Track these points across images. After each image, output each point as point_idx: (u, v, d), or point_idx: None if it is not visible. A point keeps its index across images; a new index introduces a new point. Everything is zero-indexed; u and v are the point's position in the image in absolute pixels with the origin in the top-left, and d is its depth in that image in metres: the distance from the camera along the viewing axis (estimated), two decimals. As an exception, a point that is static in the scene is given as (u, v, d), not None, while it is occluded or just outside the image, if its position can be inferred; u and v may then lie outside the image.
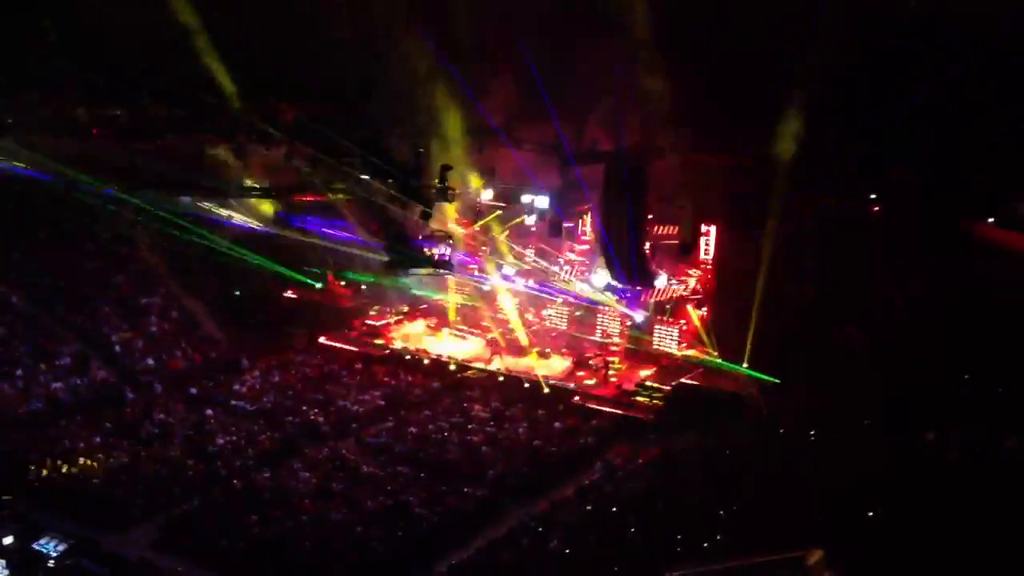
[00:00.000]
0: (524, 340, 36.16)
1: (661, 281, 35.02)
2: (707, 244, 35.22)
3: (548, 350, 35.67)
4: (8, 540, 19.15)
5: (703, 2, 24.67)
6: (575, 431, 28.49)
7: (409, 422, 28.64)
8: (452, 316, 39.89)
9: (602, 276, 36.12)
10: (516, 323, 37.01)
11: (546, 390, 31.96)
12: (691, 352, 34.18)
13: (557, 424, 28.83)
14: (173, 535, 21.73)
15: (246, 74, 24.59)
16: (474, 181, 32.72)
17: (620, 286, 35.44)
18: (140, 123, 28.01)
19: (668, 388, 31.29)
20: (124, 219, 33.25)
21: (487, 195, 35.21)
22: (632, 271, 33.74)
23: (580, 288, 37.38)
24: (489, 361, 34.91)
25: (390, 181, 27.59)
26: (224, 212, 34.37)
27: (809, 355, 28.40)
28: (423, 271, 29.32)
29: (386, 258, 28.57)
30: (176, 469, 24.49)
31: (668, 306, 35.57)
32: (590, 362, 34.20)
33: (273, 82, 26.51)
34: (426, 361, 35.12)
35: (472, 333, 38.43)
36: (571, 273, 37.77)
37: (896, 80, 22.94)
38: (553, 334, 37.30)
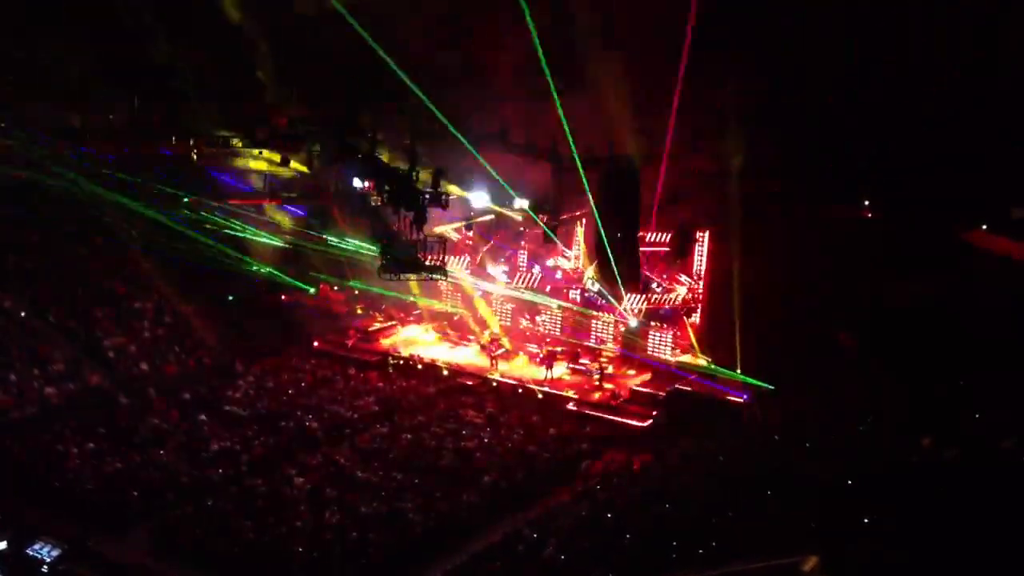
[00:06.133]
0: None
1: (653, 288, 35.22)
2: (700, 251, 35.31)
3: (540, 356, 35.66)
4: (1, 545, 19.09)
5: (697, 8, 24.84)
6: (570, 437, 28.50)
7: (403, 427, 28.62)
8: (447, 321, 39.94)
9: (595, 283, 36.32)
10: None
11: (540, 396, 32.03)
12: (685, 358, 34.24)
13: (552, 430, 28.83)
14: (167, 541, 21.70)
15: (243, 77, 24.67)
16: None
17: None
18: (135, 126, 28.14)
19: (662, 394, 31.38)
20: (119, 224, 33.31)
21: (481, 198, 35.38)
22: (624, 277, 33.87)
23: (572, 295, 37.51)
24: (492, 368, 34.85)
25: (384, 185, 27.66)
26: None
27: (803, 360, 28.48)
28: (417, 276, 29.39)
29: (380, 263, 28.58)
30: (170, 474, 24.42)
31: (661, 312, 35.66)
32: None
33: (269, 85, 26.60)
34: (420, 366, 35.13)
35: (466, 339, 38.44)
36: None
37: (891, 85, 23.10)
38: (547, 339, 37.30)
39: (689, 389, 31.45)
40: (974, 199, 26.60)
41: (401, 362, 35.62)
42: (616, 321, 36.08)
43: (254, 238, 36.74)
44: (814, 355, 28.67)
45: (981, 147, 24.13)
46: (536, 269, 38.69)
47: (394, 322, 40.12)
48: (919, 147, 24.75)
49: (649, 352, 35.00)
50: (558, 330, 37.43)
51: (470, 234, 38.88)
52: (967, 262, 26.61)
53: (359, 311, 40.47)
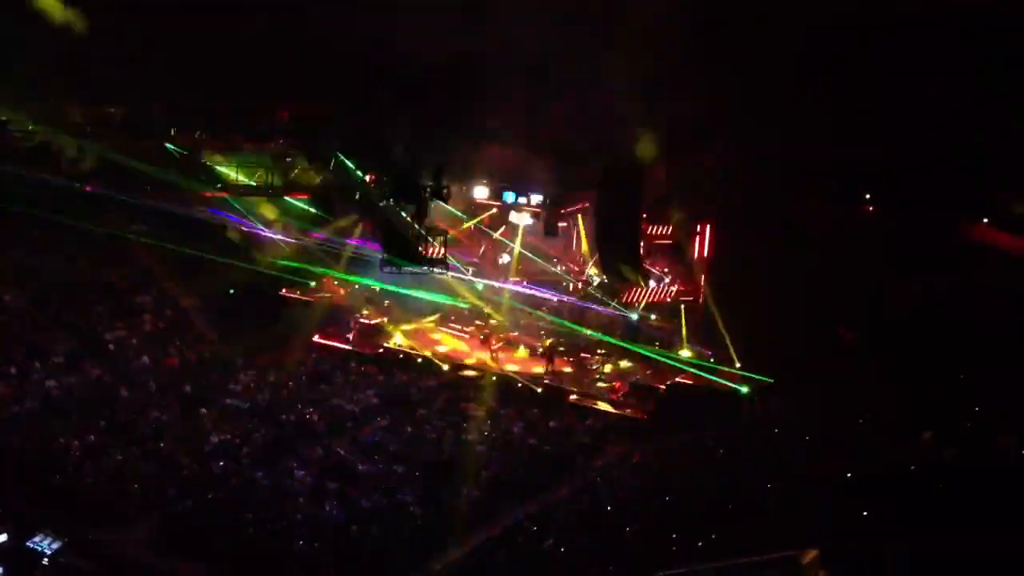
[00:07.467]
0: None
1: (654, 282, 35.17)
2: (701, 244, 35.25)
3: (541, 349, 35.66)
4: (2, 538, 19.11)
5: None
6: (570, 430, 28.53)
7: (404, 421, 28.65)
8: (447, 315, 39.89)
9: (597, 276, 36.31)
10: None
11: (540, 389, 32.05)
12: (685, 351, 34.23)
13: (552, 423, 28.87)
14: (168, 534, 21.73)
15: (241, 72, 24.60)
16: None
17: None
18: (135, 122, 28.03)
19: (662, 388, 31.41)
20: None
21: (482, 193, 35.38)
22: (626, 271, 33.81)
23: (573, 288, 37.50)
24: (494, 363, 34.85)
25: (385, 180, 27.63)
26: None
27: (802, 355, 28.48)
28: (418, 270, 29.38)
29: (381, 256, 28.57)
30: (171, 468, 24.45)
31: (662, 306, 35.63)
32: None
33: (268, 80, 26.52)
34: (420, 360, 35.12)
35: (466, 332, 38.42)
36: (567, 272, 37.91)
37: (891, 80, 23.05)
38: (543, 332, 37.28)
39: (689, 383, 31.49)
40: (976, 194, 26.56)
41: (402, 355, 35.62)
42: (617, 314, 36.06)
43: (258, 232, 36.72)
44: (814, 350, 28.68)
45: (982, 140, 24.07)
46: (538, 263, 38.63)
47: (395, 316, 40.01)
48: (919, 146, 24.70)
49: (649, 345, 35.03)
50: (559, 324, 37.43)
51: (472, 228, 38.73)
52: (967, 262, 26.58)
53: (365, 310, 40.38)
